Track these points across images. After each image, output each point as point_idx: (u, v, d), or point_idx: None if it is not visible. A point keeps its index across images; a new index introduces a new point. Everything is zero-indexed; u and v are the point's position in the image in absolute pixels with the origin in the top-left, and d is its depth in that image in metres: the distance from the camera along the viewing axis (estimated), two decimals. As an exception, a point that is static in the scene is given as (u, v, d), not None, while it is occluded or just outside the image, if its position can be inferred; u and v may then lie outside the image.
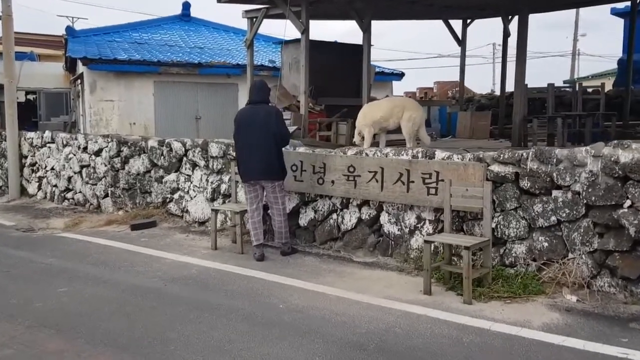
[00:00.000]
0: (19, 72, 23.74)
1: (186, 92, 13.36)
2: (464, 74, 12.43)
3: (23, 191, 11.09)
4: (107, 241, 7.32)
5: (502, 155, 5.33)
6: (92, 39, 16.09)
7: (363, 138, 7.62)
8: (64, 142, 10.13)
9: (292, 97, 10.70)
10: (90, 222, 8.80)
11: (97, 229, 8.29)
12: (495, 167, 5.36)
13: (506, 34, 11.67)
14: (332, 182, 6.43)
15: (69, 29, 16.78)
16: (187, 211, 8.18)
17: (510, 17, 11.55)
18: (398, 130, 7.72)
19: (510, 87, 12.38)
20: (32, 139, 10.85)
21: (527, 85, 9.19)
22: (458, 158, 5.63)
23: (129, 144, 8.92)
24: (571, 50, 37.01)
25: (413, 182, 5.80)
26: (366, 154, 6.34)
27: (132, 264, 6.16)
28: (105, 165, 9.26)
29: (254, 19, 10.30)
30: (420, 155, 5.92)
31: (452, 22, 12.28)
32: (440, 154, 5.80)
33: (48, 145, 10.53)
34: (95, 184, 9.47)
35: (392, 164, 5.96)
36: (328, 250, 6.59)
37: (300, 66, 11.31)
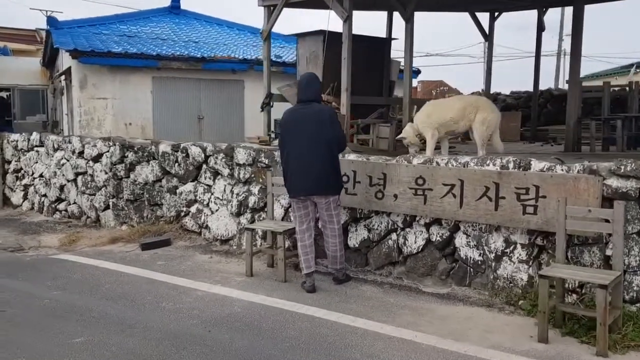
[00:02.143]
0: None
1: (188, 90, 12.15)
2: (491, 73, 11.50)
3: (5, 201, 9.82)
4: (117, 265, 6.15)
5: (623, 167, 4.35)
6: (78, 30, 14.72)
7: (422, 142, 6.55)
8: (55, 146, 8.88)
9: (312, 95, 9.60)
10: (89, 239, 7.62)
11: (99, 248, 7.11)
12: (614, 182, 4.38)
13: (541, 28, 10.76)
14: (395, 196, 5.38)
15: (51, 20, 15.37)
16: (206, 227, 7.06)
17: (544, 9, 10.65)
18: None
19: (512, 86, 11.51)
20: (17, 141, 9.57)
21: (581, 83, 8.29)
22: (562, 169, 4.65)
23: (135, 148, 7.74)
24: (555, 50, 36.50)
25: (503, 198, 4.79)
26: (437, 163, 5.31)
27: (157, 299, 5.03)
28: (106, 173, 8.06)
29: (272, 8, 9.19)
30: (511, 165, 4.92)
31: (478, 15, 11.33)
32: (537, 164, 4.81)
33: (36, 149, 9.27)
34: (94, 194, 8.26)
35: (476, 176, 4.94)
36: (387, 277, 5.55)
37: (318, 61, 10.28)
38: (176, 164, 7.31)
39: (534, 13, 10.99)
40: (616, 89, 12.70)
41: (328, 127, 5.09)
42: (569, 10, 12.07)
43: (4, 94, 25.05)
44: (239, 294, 5.13)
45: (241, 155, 6.64)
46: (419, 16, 11.19)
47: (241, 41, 16.28)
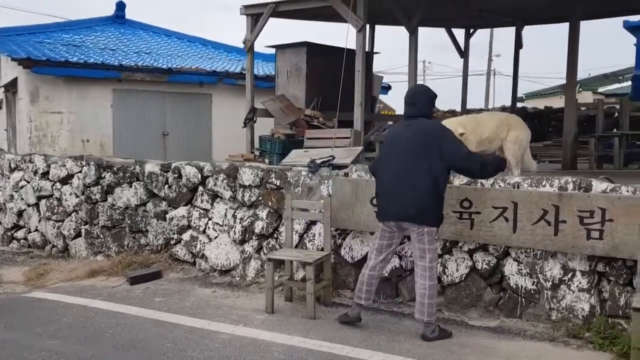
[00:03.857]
0: None
1: (151, 103, 11.21)
2: (467, 91, 11.38)
3: (-53, 228, 8.52)
4: (109, 304, 5.29)
5: (698, 188, 4.10)
6: (17, 38, 13.45)
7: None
8: (12, 166, 7.81)
9: (298, 110, 9.06)
10: (60, 271, 6.65)
11: (77, 282, 6.18)
12: (687, 203, 4.11)
13: (519, 45, 10.76)
14: (435, 220, 4.91)
15: (-14, 27, 14.01)
16: (202, 256, 6.31)
17: (522, 26, 10.67)
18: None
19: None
20: (-37, 160, 8.36)
21: (577, 100, 8.23)
22: (628, 191, 4.34)
23: (114, 168, 6.87)
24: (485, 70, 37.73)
25: (564, 222, 4.42)
26: (482, 184, 4.89)
27: (177, 345, 4.26)
28: (77, 196, 7.11)
29: (256, 16, 8.58)
30: (570, 186, 4.57)
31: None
32: (599, 185, 4.49)
33: (-11, 169, 8.13)
34: (61, 221, 7.27)
35: (531, 198, 4.55)
36: (424, 309, 5.04)
37: (301, 74, 9.77)
38: (166, 186, 6.52)
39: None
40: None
41: (435, 147, 4.28)
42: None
43: None
44: (271, 336, 4.45)
45: (247, 176, 5.97)
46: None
47: (194, 53, 15.49)
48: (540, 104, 19.23)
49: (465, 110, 11.51)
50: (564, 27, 8.96)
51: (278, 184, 5.83)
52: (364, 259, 5.36)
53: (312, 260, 4.91)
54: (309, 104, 9.74)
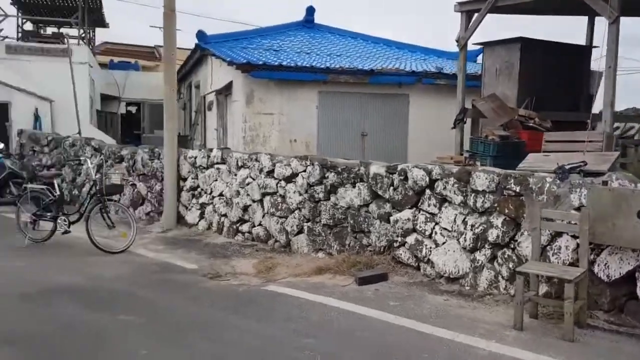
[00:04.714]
0: (124, 82, 23.33)
1: (352, 104, 11.46)
2: None
3: (179, 220, 9.48)
4: (347, 304, 5.36)
5: None
6: (226, 45, 14.66)
7: None
8: (239, 164, 8.41)
9: (512, 110, 8.54)
10: (286, 266, 6.96)
11: (306, 279, 6.40)
12: None
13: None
14: None
15: (200, 34, 15.46)
16: (427, 261, 6.17)
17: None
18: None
19: None
20: (195, 158, 9.23)
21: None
22: None
23: (338, 169, 7.04)
24: None
25: None
26: None
27: (436, 359, 4.15)
28: (301, 194, 7.42)
29: (470, 13, 8.25)
30: None
31: None
32: None
33: (216, 166, 8.85)
34: (285, 217, 7.65)
35: None
36: None
37: (512, 71, 9.22)
38: (391, 188, 6.50)
39: None
40: None
41: None
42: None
43: (131, 109, 26.12)
44: (533, 357, 4.14)
45: (481, 181, 5.70)
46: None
47: (381, 54, 15.54)
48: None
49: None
50: None
51: (517, 190, 5.47)
52: (623, 278, 4.82)
53: (572, 277, 4.48)
54: (521, 103, 9.17)
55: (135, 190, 10.15)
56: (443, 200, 6.09)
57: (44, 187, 7.99)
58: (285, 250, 7.63)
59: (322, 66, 11.21)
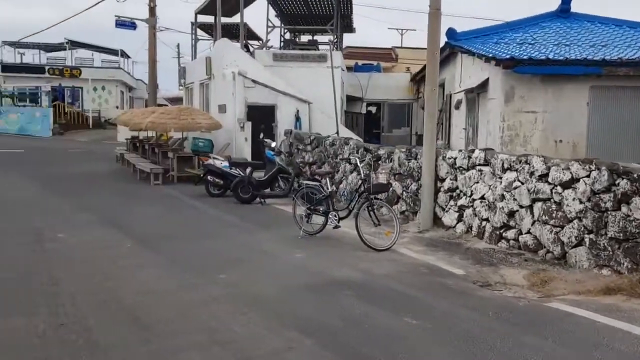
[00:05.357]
0: (367, 83, 24.31)
1: (633, 101, 10.06)
2: None
3: (435, 221, 9.37)
4: (658, 337, 4.60)
5: None
6: (476, 41, 14.16)
7: None
8: (505, 166, 7.94)
9: None
10: (564, 281, 6.33)
11: (592, 298, 5.72)
12: None
13: None
14: None
15: (451, 32, 15.23)
16: None
17: None
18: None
19: None
20: (455, 158, 9.02)
21: None
22: None
23: (634, 175, 6.14)
24: None
25: None
26: None
27: None
28: (582, 202, 6.67)
29: None
30: None
31: None
32: None
33: (478, 167, 8.52)
34: (561, 226, 6.97)
35: None
36: None
37: None
38: None
39: None
40: None
41: None
42: None
43: (372, 108, 27.09)
44: None
45: None
46: None
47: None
48: None
49: None
50: None
51: None
52: None
53: None
54: None
55: (391, 188, 10.35)
56: None
57: (317, 183, 8.59)
58: (559, 263, 6.96)
59: (597, 58, 10.01)
